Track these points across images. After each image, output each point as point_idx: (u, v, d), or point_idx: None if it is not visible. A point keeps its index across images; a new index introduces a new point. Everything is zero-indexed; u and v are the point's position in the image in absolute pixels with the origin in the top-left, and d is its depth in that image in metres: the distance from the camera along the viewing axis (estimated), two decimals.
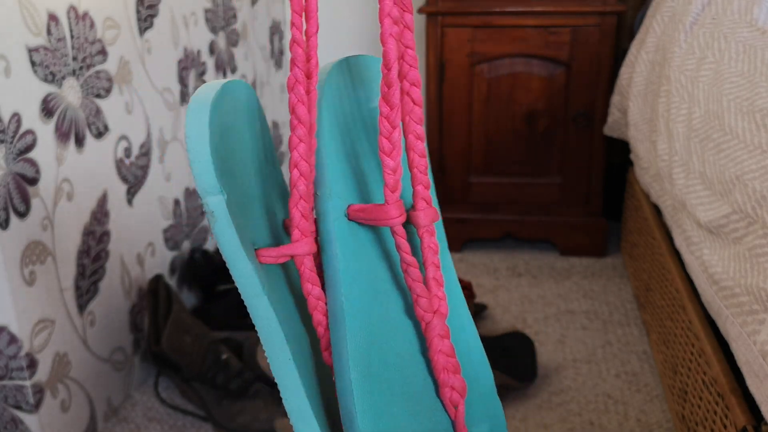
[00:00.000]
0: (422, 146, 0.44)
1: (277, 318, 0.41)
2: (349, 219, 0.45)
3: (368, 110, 0.49)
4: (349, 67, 0.48)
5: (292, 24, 0.43)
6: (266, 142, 0.47)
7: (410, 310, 0.47)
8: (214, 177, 0.39)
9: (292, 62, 0.42)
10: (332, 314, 0.43)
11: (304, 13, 0.42)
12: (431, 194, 0.47)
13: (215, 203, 0.40)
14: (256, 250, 0.43)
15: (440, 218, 0.48)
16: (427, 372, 0.46)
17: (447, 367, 0.45)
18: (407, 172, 0.48)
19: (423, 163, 0.44)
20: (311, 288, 0.43)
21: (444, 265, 0.49)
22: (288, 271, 0.46)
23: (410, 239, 0.47)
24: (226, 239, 0.40)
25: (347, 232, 0.44)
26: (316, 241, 0.45)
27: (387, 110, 0.42)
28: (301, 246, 0.43)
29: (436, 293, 0.45)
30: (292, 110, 0.42)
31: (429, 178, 0.45)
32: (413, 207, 0.45)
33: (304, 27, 0.43)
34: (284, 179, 0.50)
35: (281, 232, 0.47)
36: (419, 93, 0.43)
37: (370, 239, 0.46)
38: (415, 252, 0.47)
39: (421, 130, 0.44)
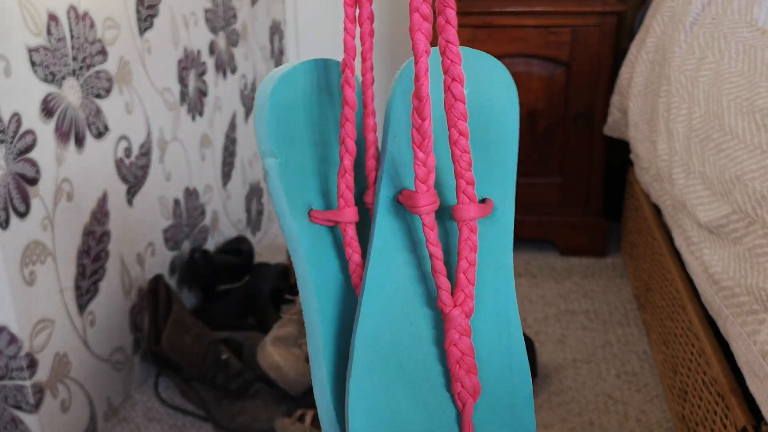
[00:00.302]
0: (465, 142, 0.45)
1: (309, 270, 0.47)
2: (397, 202, 0.48)
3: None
4: (434, 57, 0.49)
5: (346, 13, 0.45)
6: (333, 121, 0.50)
7: (435, 302, 0.48)
8: (268, 142, 0.46)
9: (344, 46, 0.45)
10: (361, 291, 0.47)
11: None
12: (507, 193, 0.49)
13: (269, 164, 0.46)
14: (309, 211, 0.48)
15: (502, 212, 0.48)
16: (441, 363, 0.47)
17: (460, 362, 0.46)
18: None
19: (466, 158, 0.45)
20: (351, 253, 0.48)
21: (499, 268, 0.48)
22: (339, 239, 0.50)
23: (451, 237, 0.49)
24: (275, 195, 0.47)
25: (392, 213, 0.47)
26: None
27: (417, 103, 0.44)
28: (344, 214, 0.47)
29: (463, 288, 0.45)
30: (342, 91, 0.46)
31: (472, 174, 0.46)
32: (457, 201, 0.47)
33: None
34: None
35: (335, 201, 0.51)
36: (461, 89, 0.44)
37: (412, 226, 0.48)
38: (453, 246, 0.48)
39: (464, 126, 0.44)
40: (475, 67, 0.49)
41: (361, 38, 0.46)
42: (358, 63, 0.54)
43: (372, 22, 0.45)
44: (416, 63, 0.43)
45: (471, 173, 0.45)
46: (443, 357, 0.46)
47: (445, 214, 0.48)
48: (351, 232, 0.48)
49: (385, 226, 0.47)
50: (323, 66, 0.49)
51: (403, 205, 0.47)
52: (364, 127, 0.49)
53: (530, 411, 0.49)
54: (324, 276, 0.48)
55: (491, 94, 0.49)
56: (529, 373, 0.49)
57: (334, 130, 0.50)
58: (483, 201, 0.48)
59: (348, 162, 0.47)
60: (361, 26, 0.45)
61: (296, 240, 0.47)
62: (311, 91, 0.48)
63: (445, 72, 0.44)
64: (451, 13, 0.44)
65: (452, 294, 0.45)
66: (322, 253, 0.48)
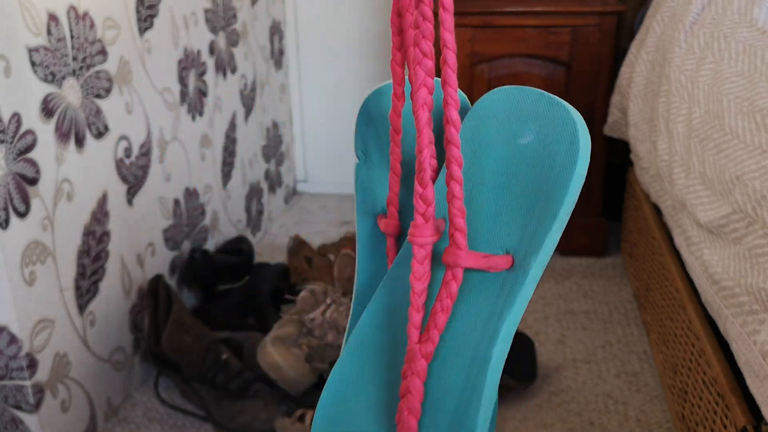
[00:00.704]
0: (458, 188, 0.44)
1: (359, 264, 0.52)
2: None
3: (515, 145, 0.46)
4: (509, 97, 0.48)
5: (393, 41, 0.47)
6: (411, 140, 0.53)
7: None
8: (357, 145, 0.54)
9: (392, 75, 0.48)
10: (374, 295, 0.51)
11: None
12: (535, 254, 0.45)
13: (356, 164, 0.54)
14: (378, 214, 0.53)
15: (519, 277, 0.45)
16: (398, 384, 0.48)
17: (405, 400, 0.46)
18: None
19: (457, 204, 0.44)
20: (389, 262, 0.52)
21: (490, 332, 0.45)
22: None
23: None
24: (355, 189, 0.54)
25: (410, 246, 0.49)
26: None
27: (417, 135, 0.45)
28: (385, 225, 0.52)
29: (429, 330, 0.45)
30: (390, 120, 0.50)
31: (464, 222, 0.45)
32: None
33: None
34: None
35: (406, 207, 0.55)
36: (455, 132, 0.43)
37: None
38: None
39: (458, 171, 0.44)
40: (545, 115, 0.45)
41: (408, 64, 0.46)
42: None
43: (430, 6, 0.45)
44: (413, 95, 0.43)
45: (462, 220, 0.44)
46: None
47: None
48: (390, 243, 0.52)
49: (408, 246, 0.50)
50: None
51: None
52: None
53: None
54: (368, 273, 0.53)
55: (554, 147, 0.45)
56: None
57: (410, 144, 0.52)
58: (506, 253, 0.45)
59: (394, 182, 0.51)
60: (406, 52, 0.46)
61: (358, 236, 0.54)
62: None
63: (445, 112, 0.44)
64: (450, 56, 0.43)
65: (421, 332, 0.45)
66: (375, 253, 0.53)
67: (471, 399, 0.45)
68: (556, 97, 0.45)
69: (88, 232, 1.06)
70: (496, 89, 0.49)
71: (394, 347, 0.48)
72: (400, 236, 0.52)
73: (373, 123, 0.52)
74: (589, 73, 1.55)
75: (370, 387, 0.48)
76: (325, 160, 2.12)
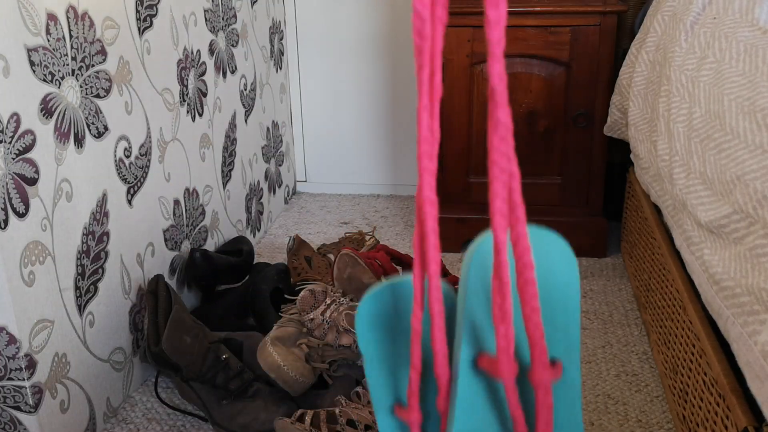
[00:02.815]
0: (538, 318, 0.49)
1: None
2: (476, 365, 0.52)
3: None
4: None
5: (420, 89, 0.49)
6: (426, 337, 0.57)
7: None
8: (362, 342, 0.55)
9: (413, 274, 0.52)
10: None
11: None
12: (572, 355, 0.53)
13: (364, 359, 0.55)
14: (396, 404, 0.56)
15: (570, 373, 0.53)
16: None
17: None
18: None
19: (539, 332, 0.49)
20: None
21: (570, 422, 0.53)
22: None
23: (528, 395, 0.53)
24: (368, 383, 0.55)
25: (473, 374, 0.52)
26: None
27: (498, 284, 0.48)
28: (410, 416, 0.54)
29: None
30: (411, 322, 0.52)
31: (545, 343, 0.50)
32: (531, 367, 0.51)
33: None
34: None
35: (427, 399, 0.58)
36: (533, 273, 0.48)
37: (489, 387, 0.53)
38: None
39: (537, 304, 0.48)
40: (539, 245, 0.53)
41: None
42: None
43: (437, 235, 0.49)
44: (496, 251, 0.47)
45: (544, 343, 0.50)
46: None
47: (520, 374, 0.53)
48: (416, 431, 0.54)
49: (466, 386, 0.52)
50: (408, 285, 0.56)
51: (482, 369, 0.52)
52: (432, 337, 0.52)
53: None
54: None
55: (554, 268, 0.54)
56: None
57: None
58: (552, 363, 0.52)
59: (414, 375, 0.54)
60: (425, 239, 0.50)
61: (380, 419, 0.57)
62: (395, 307, 0.56)
63: (518, 259, 0.48)
64: (521, 213, 0.47)
65: None
66: None
67: None
68: (538, 227, 0.51)
69: (87, 233, 1.06)
70: (486, 235, 0.53)
71: None
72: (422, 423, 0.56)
73: (376, 324, 0.56)
74: (589, 73, 1.55)
75: None
76: (325, 160, 2.11)
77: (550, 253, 0.54)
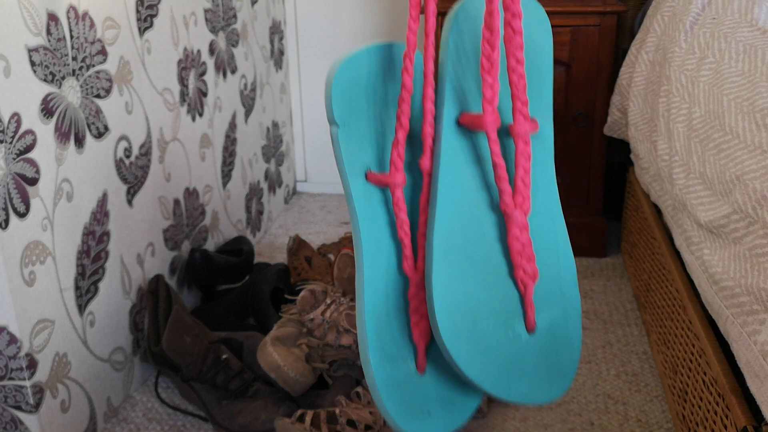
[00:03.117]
0: (521, 69, 0.53)
1: (360, 220, 0.56)
2: (458, 124, 0.56)
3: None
4: (478, 6, 0.58)
5: (411, 14, 0.54)
6: (391, 98, 0.60)
7: (498, 205, 0.57)
8: (332, 113, 0.56)
9: (407, 40, 0.55)
10: (431, 198, 0.56)
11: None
12: (546, 114, 0.59)
13: (333, 131, 0.57)
14: (366, 172, 0.58)
15: (544, 130, 0.58)
16: (504, 255, 0.56)
17: (521, 253, 0.55)
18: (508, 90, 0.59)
19: (522, 83, 0.54)
20: (398, 212, 0.57)
21: (544, 172, 0.58)
22: (388, 199, 0.59)
23: (507, 149, 0.58)
24: (337, 157, 0.57)
25: (455, 133, 0.56)
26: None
27: (488, 34, 0.52)
28: (394, 177, 0.57)
29: (522, 191, 0.54)
30: (402, 77, 0.56)
31: (527, 96, 0.55)
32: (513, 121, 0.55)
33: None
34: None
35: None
36: (520, 23, 0.52)
37: (471, 145, 0.57)
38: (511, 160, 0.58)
39: (521, 55, 0.53)
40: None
41: (426, 15, 0.55)
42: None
43: (436, 2, 0.54)
44: (491, 1, 0.51)
45: (526, 95, 0.54)
46: (506, 251, 0.56)
47: (500, 133, 0.57)
48: (399, 194, 0.57)
49: (449, 144, 0.56)
50: (387, 49, 0.58)
51: (464, 127, 0.56)
52: (423, 97, 0.56)
53: (576, 292, 0.59)
54: (371, 228, 0.57)
55: (529, 30, 0.58)
56: (573, 261, 0.59)
57: (392, 105, 0.59)
58: (533, 119, 0.57)
59: (402, 135, 0.57)
60: (426, 4, 0.55)
61: (351, 197, 0.58)
62: (374, 72, 0.58)
63: (506, 9, 0.52)
64: None
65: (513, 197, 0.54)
66: (372, 209, 0.58)
67: (556, 228, 0.58)
68: None
69: (87, 232, 1.06)
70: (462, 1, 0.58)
71: (478, 240, 0.55)
72: (405, 187, 0.59)
73: (352, 89, 0.57)
74: (589, 73, 1.55)
75: (475, 268, 0.55)
76: (325, 160, 2.12)
77: (526, 15, 0.58)
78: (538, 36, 0.59)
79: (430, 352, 0.57)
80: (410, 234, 0.57)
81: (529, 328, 0.56)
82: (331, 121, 0.57)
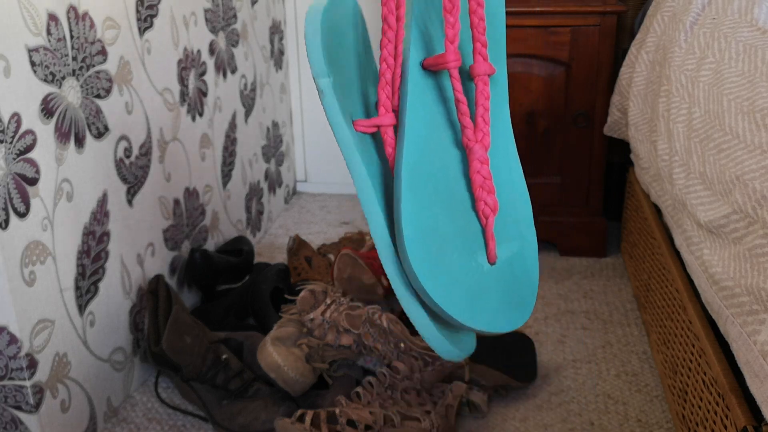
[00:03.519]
0: (482, 12, 0.56)
1: (362, 165, 0.58)
2: (422, 67, 0.58)
3: None
4: None
5: None
6: (365, 41, 0.63)
7: (461, 143, 0.60)
8: (323, 64, 0.55)
9: None
10: (399, 135, 0.58)
11: None
12: (500, 59, 0.63)
13: (324, 84, 0.56)
14: (353, 121, 0.58)
15: (500, 75, 0.63)
16: (467, 189, 0.59)
17: (483, 186, 0.58)
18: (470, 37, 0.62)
19: (482, 25, 0.56)
20: (391, 151, 0.59)
21: (501, 114, 0.62)
22: (378, 143, 0.61)
23: (468, 91, 0.61)
24: (331, 110, 0.57)
25: (421, 75, 0.59)
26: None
27: None
28: (384, 119, 0.58)
29: (482, 128, 0.57)
30: (384, 19, 0.56)
31: (486, 38, 0.58)
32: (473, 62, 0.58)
33: None
34: (377, 69, 0.65)
35: (373, 111, 0.62)
36: None
37: (435, 86, 0.60)
38: (472, 100, 0.61)
39: None
40: None
41: None
42: None
43: None
44: None
45: (485, 37, 0.57)
46: (468, 185, 0.59)
47: (462, 75, 0.61)
48: (391, 133, 0.59)
49: (416, 84, 0.58)
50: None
51: (428, 69, 0.58)
52: (396, 40, 0.58)
53: (532, 229, 0.62)
54: (371, 167, 0.59)
55: None
56: (529, 199, 0.62)
57: (364, 50, 0.61)
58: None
59: (389, 75, 0.58)
60: None
61: (351, 144, 0.58)
62: (347, 18, 0.60)
63: None
64: None
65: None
66: (369, 156, 0.60)
67: (511, 165, 0.62)
68: None
69: (87, 232, 1.06)
70: None
71: (442, 174, 0.59)
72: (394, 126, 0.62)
73: (334, 37, 0.58)
74: (589, 73, 1.55)
75: (440, 201, 0.58)
76: (325, 160, 2.12)
77: None
78: None
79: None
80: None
81: (491, 259, 0.58)
82: (320, 75, 0.56)
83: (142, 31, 1.19)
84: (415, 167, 0.57)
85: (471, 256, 0.57)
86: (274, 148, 1.90)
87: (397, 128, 0.60)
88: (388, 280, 1.27)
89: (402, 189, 0.56)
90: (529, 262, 0.61)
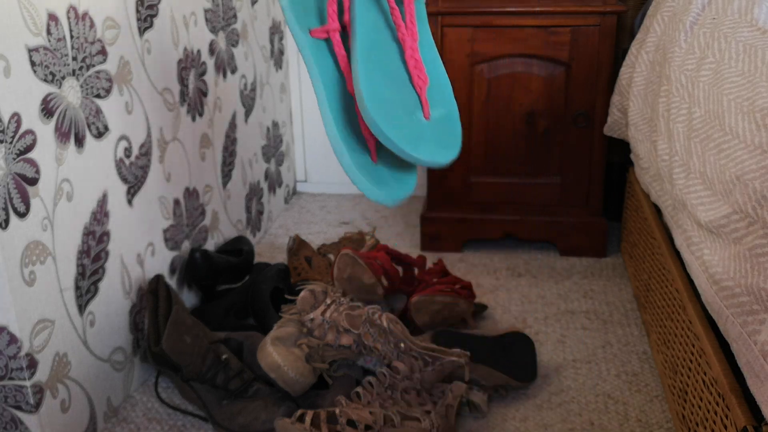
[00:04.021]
0: None
1: (315, 64, 0.83)
2: None
3: None
4: None
5: None
6: None
7: (397, 38, 0.84)
8: None
9: None
10: (352, 36, 0.82)
11: None
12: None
13: (284, 3, 0.83)
14: (310, 30, 0.83)
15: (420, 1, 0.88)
16: (405, 70, 0.83)
17: (416, 66, 0.83)
18: None
19: None
20: (338, 51, 0.84)
21: (422, 17, 0.88)
22: (333, 53, 0.85)
23: (399, 4, 0.85)
24: (288, 18, 0.83)
25: None
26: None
27: None
28: (331, 25, 0.83)
29: (410, 27, 0.84)
30: None
31: None
32: None
33: None
34: None
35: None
36: None
37: (375, 1, 0.85)
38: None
39: None
40: None
41: None
42: None
43: None
44: None
45: None
46: (406, 68, 0.83)
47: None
48: (336, 37, 0.84)
49: (361, 3, 0.83)
50: None
51: None
52: None
53: (452, 99, 0.86)
54: (323, 68, 0.84)
55: None
56: (448, 79, 0.90)
57: None
58: None
59: None
60: None
61: (305, 49, 0.83)
62: None
63: None
64: None
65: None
66: (321, 54, 0.84)
67: (434, 57, 0.87)
68: None
69: (87, 232, 1.06)
70: None
71: (387, 59, 0.83)
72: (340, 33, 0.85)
73: None
74: (589, 73, 1.55)
75: (386, 78, 0.81)
76: (325, 160, 2.12)
77: None
78: None
79: (378, 150, 0.85)
80: (349, 66, 0.84)
81: (426, 116, 0.82)
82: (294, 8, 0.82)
83: (142, 31, 1.19)
84: (367, 57, 0.81)
85: (412, 113, 0.81)
86: (274, 148, 1.90)
87: (343, 35, 0.84)
88: (387, 280, 1.27)
89: (359, 70, 0.80)
90: (453, 121, 0.84)
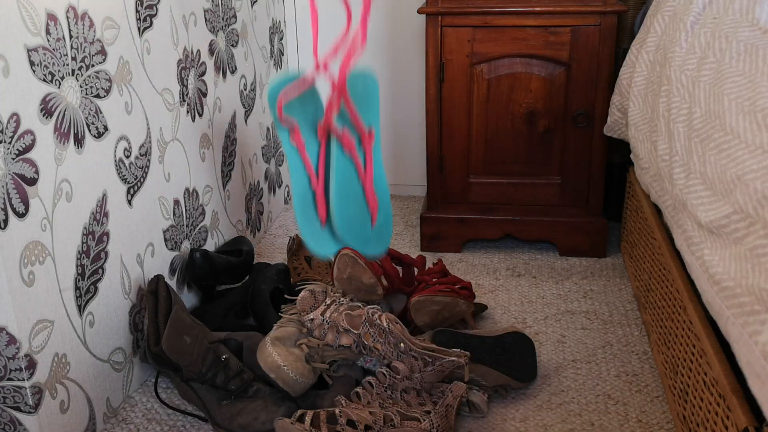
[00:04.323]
0: (349, 106, 1.26)
1: (290, 163, 1.29)
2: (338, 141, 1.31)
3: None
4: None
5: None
6: (318, 108, 1.30)
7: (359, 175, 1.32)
8: (280, 125, 1.27)
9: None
10: (330, 165, 1.28)
11: None
12: (377, 121, 1.32)
13: (279, 128, 1.28)
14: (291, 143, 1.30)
15: (377, 137, 1.31)
16: (363, 198, 1.31)
17: (371, 197, 1.30)
18: None
19: (353, 112, 1.28)
20: (306, 159, 1.30)
21: (377, 159, 1.31)
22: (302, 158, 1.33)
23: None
24: (281, 137, 1.29)
25: (336, 145, 1.29)
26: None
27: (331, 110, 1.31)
28: (299, 142, 1.28)
29: (369, 169, 1.29)
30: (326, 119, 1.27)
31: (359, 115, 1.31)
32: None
33: None
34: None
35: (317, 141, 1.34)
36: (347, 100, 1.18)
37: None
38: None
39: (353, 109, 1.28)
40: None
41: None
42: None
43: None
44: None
45: (357, 116, 1.27)
46: (364, 196, 1.29)
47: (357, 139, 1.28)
48: (304, 153, 1.27)
49: (335, 149, 1.26)
50: (297, 76, 1.24)
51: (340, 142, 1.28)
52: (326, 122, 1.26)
53: (389, 208, 1.33)
54: (296, 167, 1.28)
55: (360, 85, 1.34)
56: (390, 202, 1.35)
57: (308, 113, 1.29)
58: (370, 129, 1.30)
59: (300, 144, 1.28)
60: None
61: (287, 152, 1.28)
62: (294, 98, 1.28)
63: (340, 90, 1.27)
64: None
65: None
66: (295, 159, 1.28)
67: (379, 174, 1.34)
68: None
69: (87, 233, 1.06)
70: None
71: (351, 187, 1.29)
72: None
73: (287, 105, 1.19)
74: (589, 73, 1.55)
75: (351, 202, 1.29)
76: None
77: (358, 80, 1.27)
78: (368, 84, 1.29)
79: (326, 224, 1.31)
80: (314, 170, 1.29)
81: (373, 226, 1.32)
82: (279, 126, 1.24)
83: (141, 31, 1.19)
84: (339, 188, 1.26)
85: (365, 224, 1.31)
86: (274, 148, 1.90)
87: (309, 152, 1.29)
88: (387, 280, 1.27)
89: (334, 198, 1.26)
90: (387, 227, 1.34)
